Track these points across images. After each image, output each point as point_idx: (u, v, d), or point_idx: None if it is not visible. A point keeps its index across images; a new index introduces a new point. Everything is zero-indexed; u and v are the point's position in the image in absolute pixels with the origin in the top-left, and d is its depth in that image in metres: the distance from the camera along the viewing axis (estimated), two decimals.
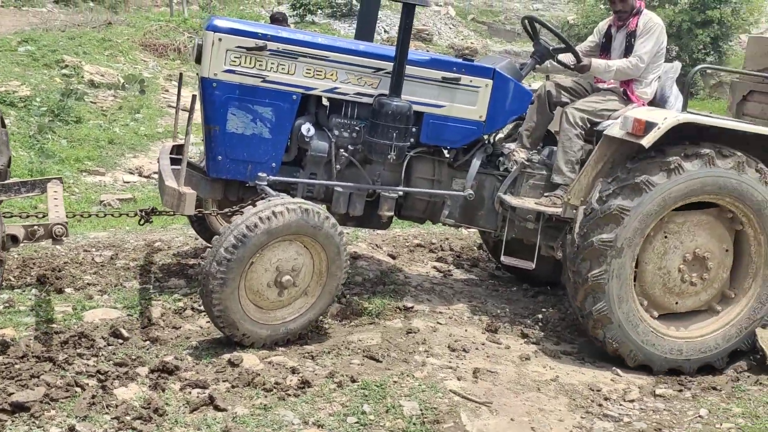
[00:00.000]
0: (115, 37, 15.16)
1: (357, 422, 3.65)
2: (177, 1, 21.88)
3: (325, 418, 3.66)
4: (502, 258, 5.34)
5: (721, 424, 4.05)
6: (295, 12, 23.67)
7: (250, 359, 4.19)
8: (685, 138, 4.77)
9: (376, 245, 6.71)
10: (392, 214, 5.17)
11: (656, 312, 4.88)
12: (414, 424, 3.68)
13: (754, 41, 7.16)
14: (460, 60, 5.22)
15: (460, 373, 4.32)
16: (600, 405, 4.20)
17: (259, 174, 4.76)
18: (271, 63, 4.78)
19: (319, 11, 24.26)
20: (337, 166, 5.01)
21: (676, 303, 4.90)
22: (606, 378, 4.61)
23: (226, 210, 4.94)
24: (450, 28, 32.06)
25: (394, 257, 6.48)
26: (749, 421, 4.10)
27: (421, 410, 3.81)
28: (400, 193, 5.12)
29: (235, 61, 4.71)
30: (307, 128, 4.93)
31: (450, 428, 3.69)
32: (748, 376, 4.77)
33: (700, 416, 4.15)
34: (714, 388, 4.59)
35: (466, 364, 4.46)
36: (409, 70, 4.86)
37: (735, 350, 4.94)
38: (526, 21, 5.61)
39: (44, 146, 8.75)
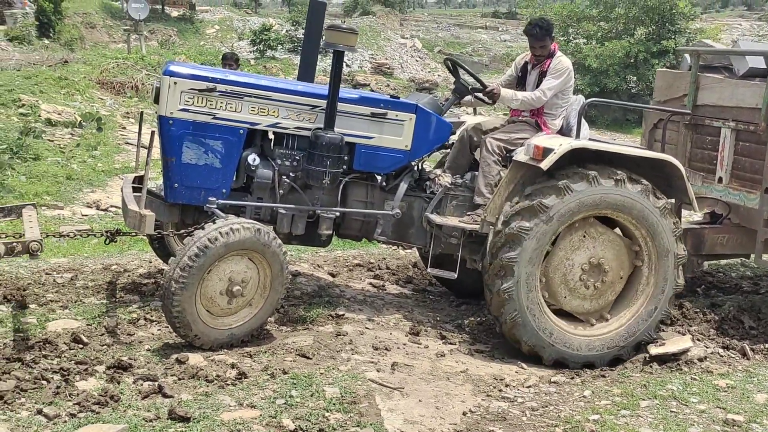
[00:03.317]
0: (72, 75, 16.02)
1: (284, 403, 4.50)
2: (134, 38, 22.81)
3: (257, 401, 4.51)
4: (429, 269, 6.26)
5: (600, 401, 4.94)
6: (255, 48, 24.78)
7: (195, 358, 5.04)
8: (587, 162, 5.71)
9: (318, 265, 7.59)
10: (331, 232, 6.03)
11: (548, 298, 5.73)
12: (333, 404, 4.53)
13: (661, 74, 8.21)
14: (387, 97, 6.20)
15: (380, 366, 5.19)
16: (500, 390, 5.06)
17: (210, 198, 5.67)
18: (220, 102, 5.71)
19: (280, 47, 25.37)
20: (281, 191, 5.89)
21: (565, 298, 5.77)
22: (511, 370, 5.48)
23: (182, 231, 5.75)
24: (417, 60, 33.28)
25: (333, 275, 7.34)
26: (625, 399, 4.98)
27: (341, 394, 4.67)
28: (337, 213, 5.98)
29: (188, 101, 5.63)
30: (253, 158, 5.84)
31: (365, 407, 4.55)
32: (636, 367, 5.67)
33: (584, 396, 5.03)
34: (603, 376, 5.47)
35: (387, 360, 5.32)
36: (342, 107, 5.83)
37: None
38: (449, 62, 6.61)
39: (3, 182, 9.58)
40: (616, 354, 5.76)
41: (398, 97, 6.29)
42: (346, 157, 5.90)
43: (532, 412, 4.75)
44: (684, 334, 6.07)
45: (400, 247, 7.49)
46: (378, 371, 5.11)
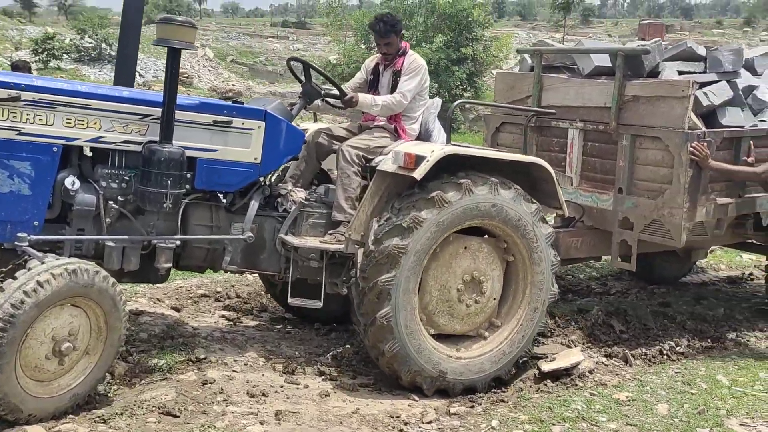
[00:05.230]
0: None
1: None
2: None
3: None
4: (290, 299, 5.45)
5: None
6: (38, 58, 22.68)
7: (35, 430, 4.06)
8: (452, 168, 5.25)
9: (158, 299, 6.70)
10: (170, 265, 5.15)
11: (432, 330, 5.27)
12: None
13: (501, 77, 8.03)
14: (230, 103, 5.43)
15: (263, 417, 4.47)
16: (401, 430, 4.53)
17: (19, 234, 4.59)
18: (27, 114, 4.65)
19: (65, 56, 23.40)
20: (107, 219, 4.94)
21: (452, 324, 5.34)
22: (404, 405, 4.96)
23: None
24: (209, 70, 32.08)
25: (178, 310, 6.49)
26: (535, 426, 4.61)
27: None
28: (178, 242, 5.13)
29: None
30: (71, 181, 4.83)
31: None
32: (530, 386, 5.35)
33: (492, 427, 4.60)
34: (502, 401, 5.10)
35: (267, 408, 4.61)
36: (179, 115, 4.97)
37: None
38: (294, 63, 5.95)
39: None
40: (495, 375, 5.38)
41: (242, 103, 5.55)
42: (188, 175, 5.08)
43: None
44: (570, 346, 5.83)
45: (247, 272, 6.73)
46: (262, 424, 4.39)
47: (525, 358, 5.57)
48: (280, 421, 4.45)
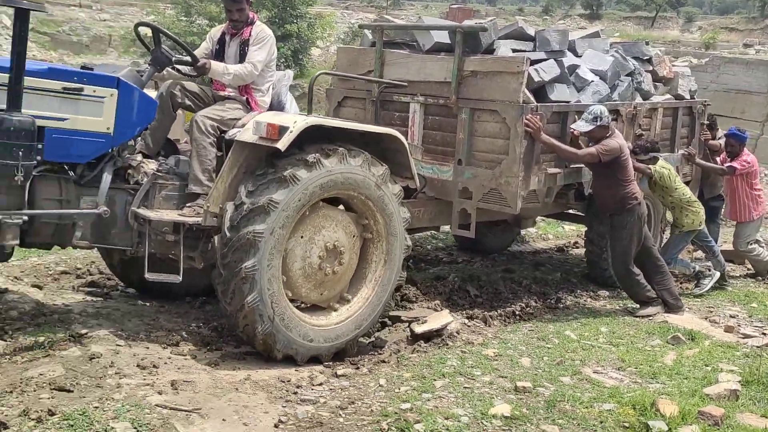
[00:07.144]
0: None
1: None
2: None
3: None
4: (147, 275, 5.23)
5: (399, 389, 4.82)
6: None
7: None
8: (312, 140, 5.26)
9: (16, 277, 6.42)
10: (17, 242, 4.84)
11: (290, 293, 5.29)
12: None
13: (342, 51, 8.17)
14: (80, 69, 5.22)
15: (159, 387, 4.49)
16: (295, 393, 4.70)
17: None
18: None
19: None
20: None
21: (311, 292, 5.41)
22: (291, 370, 5.12)
23: None
24: (6, 38, 29.86)
25: (40, 287, 6.26)
26: (419, 382, 4.93)
27: (135, 428, 3.93)
28: (25, 218, 4.80)
29: None
30: None
31: None
32: (406, 347, 5.69)
33: (380, 385, 4.88)
34: (384, 361, 5.39)
35: (162, 379, 4.63)
36: (26, 81, 4.70)
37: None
38: (141, 28, 5.78)
39: None
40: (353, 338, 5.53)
41: (92, 68, 5.30)
42: (40, 146, 4.80)
43: (343, 411, 4.46)
44: (436, 309, 6.22)
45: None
46: (160, 394, 4.41)
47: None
48: (177, 390, 4.47)
